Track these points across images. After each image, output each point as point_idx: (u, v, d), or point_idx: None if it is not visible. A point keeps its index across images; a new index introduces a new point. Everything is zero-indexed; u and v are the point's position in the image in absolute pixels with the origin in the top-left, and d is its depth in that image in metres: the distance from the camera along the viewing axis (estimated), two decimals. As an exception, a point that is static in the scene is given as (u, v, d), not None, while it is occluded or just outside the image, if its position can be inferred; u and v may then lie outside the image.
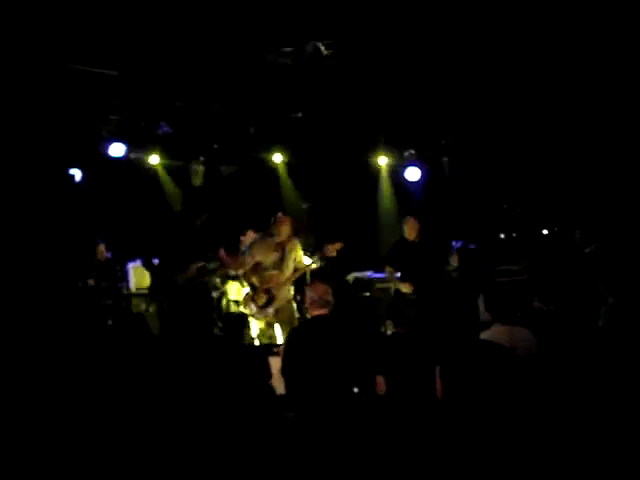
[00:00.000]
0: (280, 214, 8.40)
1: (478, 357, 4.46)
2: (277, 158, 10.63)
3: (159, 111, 9.56)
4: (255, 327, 8.27)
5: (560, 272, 8.41)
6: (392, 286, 8.82)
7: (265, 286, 8.25)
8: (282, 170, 10.89)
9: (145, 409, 4.30)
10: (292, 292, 8.38)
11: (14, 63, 7.41)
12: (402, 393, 5.17)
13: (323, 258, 8.37)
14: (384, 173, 11.14)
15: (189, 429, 4.18)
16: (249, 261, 8.35)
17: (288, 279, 8.30)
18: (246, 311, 8.23)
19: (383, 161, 10.89)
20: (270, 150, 10.53)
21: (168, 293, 8.26)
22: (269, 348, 7.56)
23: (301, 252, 8.41)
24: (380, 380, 5.32)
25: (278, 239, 8.26)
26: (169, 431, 4.13)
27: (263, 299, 8.22)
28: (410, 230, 8.69)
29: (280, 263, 8.26)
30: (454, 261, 8.75)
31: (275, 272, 8.25)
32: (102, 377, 4.91)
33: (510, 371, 4.31)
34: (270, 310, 8.22)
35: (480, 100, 9.10)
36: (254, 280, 8.31)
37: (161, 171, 10.60)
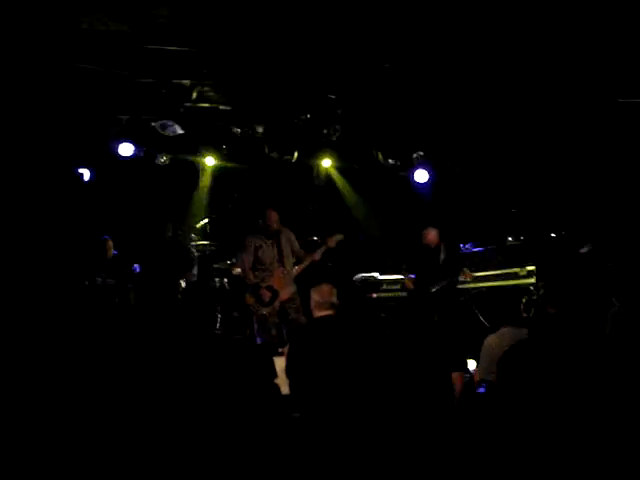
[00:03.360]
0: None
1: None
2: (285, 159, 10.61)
3: (168, 111, 9.58)
4: (259, 326, 8.29)
5: (567, 276, 8.41)
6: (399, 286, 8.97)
7: (267, 284, 8.27)
8: (290, 170, 10.88)
9: (149, 407, 4.31)
10: (296, 287, 8.37)
11: (24, 63, 7.45)
12: (418, 395, 5.13)
13: (324, 252, 8.41)
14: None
15: (192, 428, 4.18)
16: (246, 260, 8.38)
17: (290, 273, 8.33)
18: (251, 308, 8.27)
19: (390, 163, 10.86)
20: (281, 151, 10.52)
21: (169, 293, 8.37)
22: (273, 347, 7.57)
23: (297, 243, 8.50)
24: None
25: (270, 230, 8.33)
26: (172, 430, 4.13)
27: (266, 297, 8.23)
28: (430, 239, 8.97)
29: (279, 257, 8.31)
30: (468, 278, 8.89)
31: (275, 267, 8.29)
32: (107, 374, 4.93)
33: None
34: (274, 307, 8.22)
35: (489, 102, 9.08)
36: (255, 279, 8.33)
37: (169, 170, 10.62)
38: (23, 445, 4.04)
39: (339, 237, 8.42)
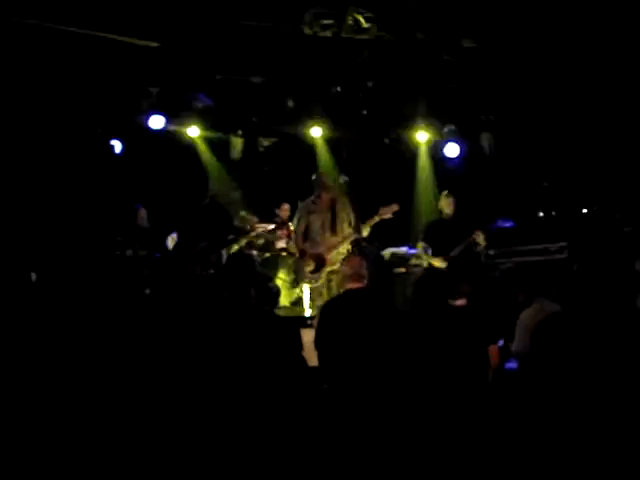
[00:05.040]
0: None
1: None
2: (316, 132, 10.56)
3: (199, 84, 9.59)
4: (305, 293, 8.16)
5: (600, 252, 8.31)
6: (425, 262, 8.76)
7: (314, 251, 8.03)
8: (320, 144, 10.84)
9: (179, 379, 4.34)
10: None
11: (56, 37, 7.47)
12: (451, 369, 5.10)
13: (374, 224, 8.11)
14: (423, 149, 11.03)
15: (220, 400, 4.21)
16: (297, 227, 8.21)
17: (341, 242, 8.00)
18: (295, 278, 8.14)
19: (423, 137, 10.78)
20: (309, 124, 10.48)
21: (197, 259, 8.27)
22: (301, 319, 7.53)
23: (353, 213, 8.08)
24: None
25: (323, 196, 8.09)
26: (200, 401, 4.16)
27: (311, 265, 8.01)
28: (447, 206, 8.63)
29: (331, 224, 8.02)
30: (481, 240, 8.53)
31: (326, 234, 8.01)
32: (139, 346, 4.98)
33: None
34: (321, 275, 7.97)
35: (521, 76, 8.98)
36: (304, 246, 8.12)
37: (200, 144, 10.64)
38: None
39: (395, 207, 8.07)
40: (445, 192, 8.75)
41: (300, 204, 8.41)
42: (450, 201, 8.64)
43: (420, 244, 8.77)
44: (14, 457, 4.01)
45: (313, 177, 8.28)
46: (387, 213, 8.05)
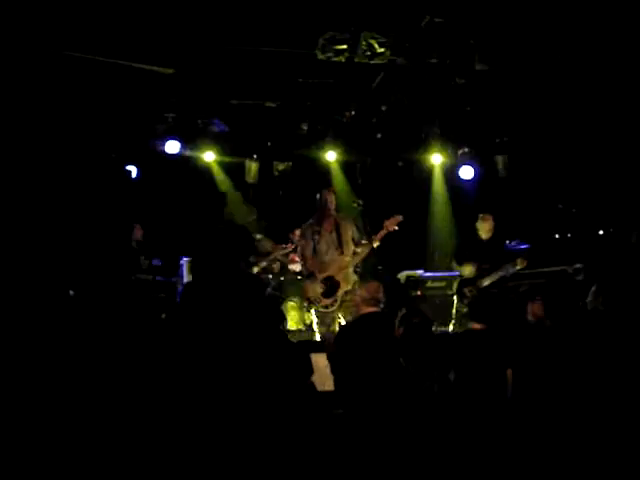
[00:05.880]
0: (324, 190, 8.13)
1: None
2: (330, 156, 10.60)
3: (214, 109, 9.66)
4: (318, 319, 7.96)
5: (617, 273, 8.26)
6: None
7: (326, 274, 7.88)
8: (335, 168, 10.88)
9: (187, 399, 4.34)
10: (357, 278, 7.93)
11: (72, 64, 7.56)
12: (471, 392, 5.08)
13: (383, 236, 7.92)
14: (438, 171, 11.04)
15: (229, 420, 4.20)
16: (303, 245, 8.07)
17: (350, 262, 7.90)
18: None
19: (437, 159, 10.79)
20: (323, 148, 10.52)
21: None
22: (312, 344, 7.41)
23: (357, 231, 7.99)
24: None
25: (328, 213, 7.97)
26: (209, 423, 4.15)
27: (324, 289, 7.83)
28: (486, 228, 8.59)
29: (337, 244, 7.91)
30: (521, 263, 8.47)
31: (335, 255, 7.89)
32: (154, 367, 4.98)
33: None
34: (336, 299, 7.81)
35: (535, 97, 8.99)
36: (313, 267, 7.96)
37: (216, 168, 10.70)
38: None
39: (398, 218, 7.92)
40: (481, 215, 8.71)
41: (304, 226, 8.26)
42: (488, 223, 8.62)
43: (468, 266, 8.65)
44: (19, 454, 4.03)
45: (317, 196, 8.12)
46: (393, 225, 7.90)
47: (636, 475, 3.59)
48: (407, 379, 5.12)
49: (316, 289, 7.89)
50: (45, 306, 6.17)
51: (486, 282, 8.43)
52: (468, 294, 8.47)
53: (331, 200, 8.02)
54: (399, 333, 5.22)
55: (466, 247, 8.77)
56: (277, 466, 4.06)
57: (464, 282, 8.65)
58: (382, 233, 7.92)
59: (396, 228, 7.92)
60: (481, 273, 8.48)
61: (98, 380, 4.75)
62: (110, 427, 4.29)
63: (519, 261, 8.31)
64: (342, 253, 7.91)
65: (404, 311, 5.44)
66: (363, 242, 8.00)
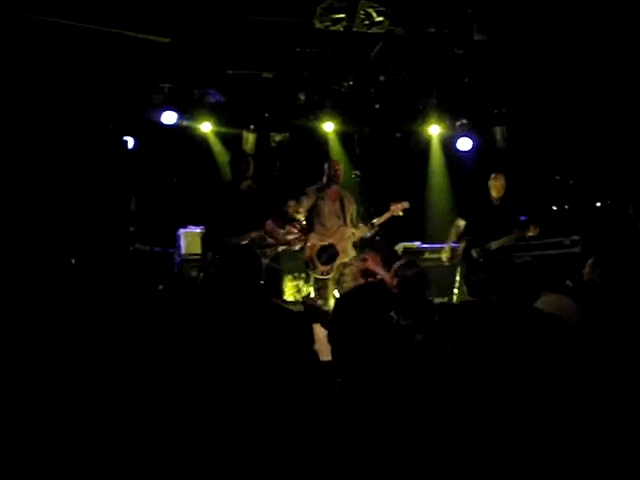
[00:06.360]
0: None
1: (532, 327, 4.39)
2: (328, 126, 10.55)
3: (210, 79, 9.59)
4: (317, 289, 7.97)
5: (614, 245, 8.27)
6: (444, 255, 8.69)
7: (325, 240, 7.92)
8: (332, 138, 10.83)
9: (189, 374, 4.34)
10: (355, 253, 7.94)
11: (67, 33, 7.49)
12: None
13: (382, 223, 8.03)
14: (435, 142, 11.01)
15: (232, 393, 4.20)
16: (305, 203, 8.04)
17: (353, 234, 7.95)
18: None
19: (435, 130, 10.76)
20: (321, 118, 10.46)
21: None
22: (312, 314, 7.40)
23: (356, 213, 8.06)
24: None
25: (335, 181, 7.98)
26: (210, 396, 4.16)
27: (322, 252, 7.89)
28: (497, 186, 8.42)
29: (341, 213, 7.95)
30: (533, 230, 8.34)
31: (338, 222, 7.94)
32: (152, 340, 4.99)
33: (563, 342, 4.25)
34: (332, 267, 7.87)
35: (533, 68, 8.95)
36: (316, 230, 7.98)
37: (213, 139, 10.64)
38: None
39: (405, 204, 7.99)
40: (494, 174, 8.51)
41: (308, 189, 8.20)
42: (499, 182, 8.43)
43: (459, 223, 8.62)
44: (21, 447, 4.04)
45: (325, 165, 8.15)
46: (398, 210, 7.98)
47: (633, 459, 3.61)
48: (397, 333, 5.12)
49: (315, 248, 7.91)
50: (47, 274, 6.18)
51: (495, 245, 8.29)
52: (475, 255, 8.40)
53: (340, 169, 8.04)
54: (393, 285, 5.21)
55: (477, 208, 8.59)
56: (279, 440, 4.08)
57: (472, 243, 8.49)
58: (386, 216, 8.01)
59: (401, 214, 7.99)
60: (490, 235, 8.33)
61: (99, 357, 4.76)
62: (110, 404, 4.30)
63: (532, 227, 8.17)
64: (345, 224, 7.94)
65: (400, 262, 5.42)
66: (360, 226, 8.05)
